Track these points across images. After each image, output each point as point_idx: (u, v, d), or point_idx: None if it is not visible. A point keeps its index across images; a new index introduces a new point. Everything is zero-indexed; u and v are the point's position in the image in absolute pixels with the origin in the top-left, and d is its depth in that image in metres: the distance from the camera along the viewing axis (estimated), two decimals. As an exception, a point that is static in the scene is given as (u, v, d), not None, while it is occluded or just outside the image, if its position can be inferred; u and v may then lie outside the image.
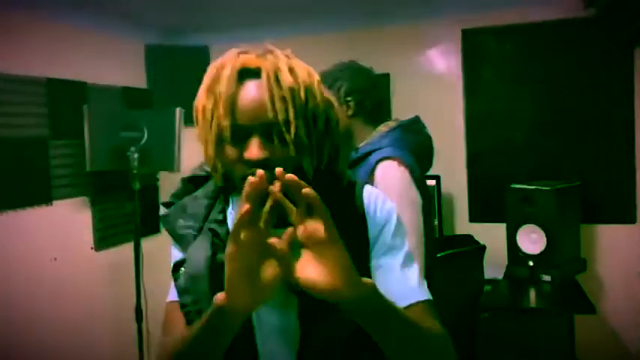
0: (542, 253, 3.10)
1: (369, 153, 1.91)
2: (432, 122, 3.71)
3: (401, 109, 3.82)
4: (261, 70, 1.01)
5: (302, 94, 1.01)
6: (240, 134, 1.00)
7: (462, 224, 3.70)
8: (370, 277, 1.07)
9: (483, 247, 3.09)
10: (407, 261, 1.12)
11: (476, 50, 3.64)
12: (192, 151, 3.95)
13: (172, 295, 1.15)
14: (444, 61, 3.72)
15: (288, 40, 4.53)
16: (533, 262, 3.12)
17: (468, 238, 3.19)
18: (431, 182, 3.45)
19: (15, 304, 2.90)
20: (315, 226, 0.85)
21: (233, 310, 0.88)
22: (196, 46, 3.97)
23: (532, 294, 3.04)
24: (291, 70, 1.02)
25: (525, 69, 3.55)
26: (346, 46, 3.87)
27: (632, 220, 3.37)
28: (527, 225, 3.14)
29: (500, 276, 3.25)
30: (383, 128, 2.03)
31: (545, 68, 3.50)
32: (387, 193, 1.27)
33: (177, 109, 3.43)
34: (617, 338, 3.43)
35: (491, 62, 3.62)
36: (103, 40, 3.58)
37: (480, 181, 3.69)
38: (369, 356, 1.05)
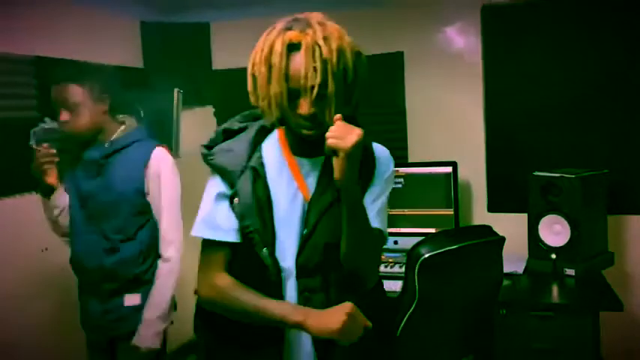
0: (566, 245, 3.10)
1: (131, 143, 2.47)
2: (448, 104, 3.73)
3: (415, 90, 3.81)
4: (302, 43, 1.39)
5: (334, 60, 1.39)
6: (291, 94, 1.42)
7: (480, 214, 3.71)
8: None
9: (502, 239, 3.07)
10: (382, 203, 1.61)
11: (496, 28, 3.61)
12: (192, 134, 3.94)
13: (208, 232, 1.56)
14: (462, 39, 3.69)
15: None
16: (556, 255, 3.13)
17: (486, 229, 3.18)
18: (447, 169, 3.46)
19: (5, 294, 2.95)
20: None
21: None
22: (196, 23, 3.98)
23: (554, 289, 3.05)
24: (326, 40, 1.40)
25: (549, 48, 3.51)
26: (357, 24, 3.83)
27: (663, 211, 3.35)
28: (551, 215, 3.14)
29: (520, 270, 3.25)
30: (130, 123, 2.57)
31: (570, 47, 3.46)
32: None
33: (176, 91, 3.45)
34: (645, 336, 3.42)
35: (512, 41, 3.59)
36: (97, 16, 3.57)
37: (500, 167, 3.68)
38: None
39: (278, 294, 1.53)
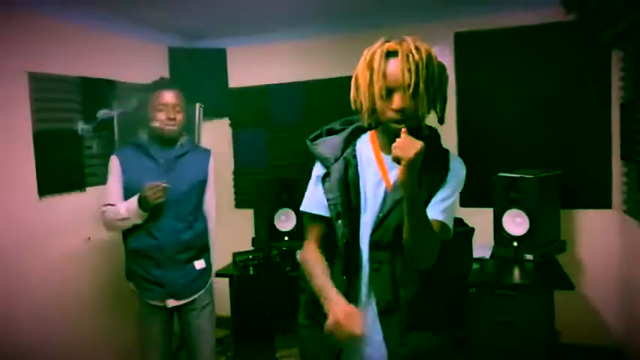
0: (525, 234, 3.12)
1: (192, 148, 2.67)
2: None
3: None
4: (398, 51, 1.48)
5: (423, 65, 1.46)
6: (388, 92, 1.50)
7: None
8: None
9: (472, 230, 3.10)
10: (450, 202, 1.61)
11: (467, 51, 3.65)
12: (211, 140, 4.00)
13: (308, 207, 1.69)
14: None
15: (297, 43, 4.57)
16: (517, 243, 3.15)
17: (458, 221, 3.20)
18: (425, 171, 3.47)
19: (55, 278, 2.99)
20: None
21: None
22: (214, 49, 4.00)
23: (516, 272, 3.07)
24: (417, 49, 1.47)
25: (512, 69, 3.56)
26: (348, 48, 3.89)
27: (607, 206, 3.39)
28: (512, 209, 3.16)
29: (487, 255, 3.28)
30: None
31: (530, 68, 3.51)
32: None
33: (198, 105, 3.47)
34: (593, 312, 3.47)
35: (481, 62, 3.63)
36: (132, 44, 3.62)
37: (470, 169, 3.64)
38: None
39: (351, 261, 1.61)
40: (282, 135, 4.13)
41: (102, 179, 3.29)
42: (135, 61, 3.63)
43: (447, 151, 1.67)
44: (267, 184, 3.76)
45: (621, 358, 3.33)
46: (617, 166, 3.34)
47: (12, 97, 2.78)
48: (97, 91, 3.28)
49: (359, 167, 1.63)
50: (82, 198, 3.17)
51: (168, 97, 2.52)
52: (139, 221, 2.48)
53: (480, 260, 3.23)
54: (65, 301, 3.05)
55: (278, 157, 4.17)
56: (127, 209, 2.46)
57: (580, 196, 3.44)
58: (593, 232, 3.44)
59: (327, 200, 1.63)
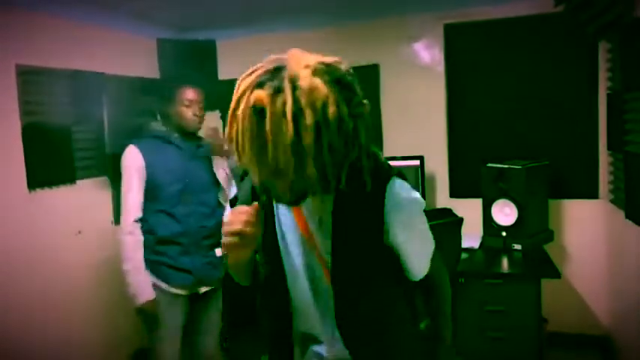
0: (513, 224, 3.14)
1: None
2: (417, 108, 3.77)
3: (389, 96, 3.84)
4: (266, 110, 0.96)
5: (310, 133, 0.95)
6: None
7: (443, 200, 3.72)
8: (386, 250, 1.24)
9: (461, 220, 3.11)
10: (421, 237, 1.29)
11: (456, 43, 3.64)
12: (202, 135, 3.94)
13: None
14: (427, 53, 3.71)
15: (287, 35, 4.55)
16: (505, 232, 3.17)
17: (447, 211, 3.22)
18: (415, 162, 3.47)
19: (45, 272, 2.95)
20: None
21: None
22: (205, 40, 3.95)
23: (504, 261, 3.08)
24: (297, 113, 0.94)
25: (500, 60, 3.55)
26: (340, 40, 3.89)
27: (594, 196, 3.41)
28: (501, 200, 3.17)
29: (476, 245, 3.30)
30: None
31: (518, 59, 3.50)
32: None
33: (187, 97, 3.43)
34: (579, 299, 3.49)
35: (469, 54, 3.62)
36: (121, 37, 3.57)
37: (459, 161, 3.70)
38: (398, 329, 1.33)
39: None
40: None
41: (92, 172, 3.30)
42: (125, 54, 3.58)
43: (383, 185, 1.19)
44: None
45: (607, 345, 3.36)
46: (604, 157, 3.35)
47: (0, 91, 2.73)
48: (86, 84, 3.23)
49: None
50: (73, 191, 3.13)
51: (194, 94, 2.57)
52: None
53: (468, 250, 3.24)
54: (55, 295, 3.02)
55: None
56: (136, 285, 2.44)
57: (567, 187, 3.45)
58: (581, 221, 3.45)
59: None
